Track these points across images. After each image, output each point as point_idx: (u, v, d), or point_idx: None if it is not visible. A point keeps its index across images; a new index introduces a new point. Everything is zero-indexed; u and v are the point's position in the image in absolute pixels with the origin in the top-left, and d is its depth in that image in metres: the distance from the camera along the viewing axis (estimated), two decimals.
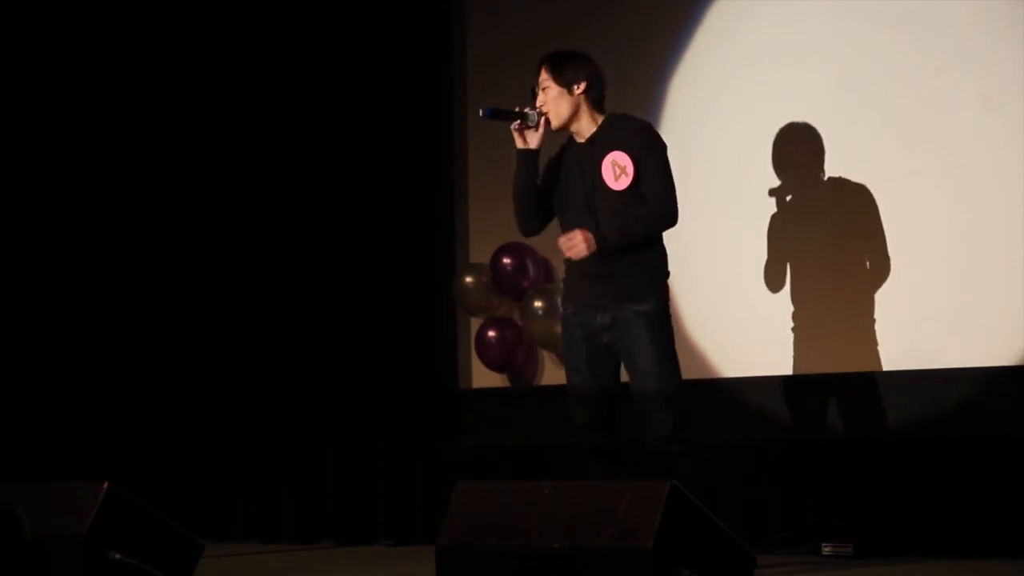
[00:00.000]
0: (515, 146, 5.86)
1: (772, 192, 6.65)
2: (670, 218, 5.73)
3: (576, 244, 5.71)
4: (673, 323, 5.84)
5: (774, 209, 6.66)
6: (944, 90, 6.48)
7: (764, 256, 6.75)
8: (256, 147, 8.20)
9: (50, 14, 8.58)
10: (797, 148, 6.68)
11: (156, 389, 8.50)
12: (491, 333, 7.57)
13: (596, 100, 5.84)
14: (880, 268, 6.55)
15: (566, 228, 5.82)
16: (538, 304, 7.40)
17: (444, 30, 7.88)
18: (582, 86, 5.79)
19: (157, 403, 8.49)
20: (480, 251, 7.70)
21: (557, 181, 5.88)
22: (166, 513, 5.53)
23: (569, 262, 5.83)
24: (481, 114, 5.88)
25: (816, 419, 6.76)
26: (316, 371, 8.06)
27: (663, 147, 5.77)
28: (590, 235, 5.69)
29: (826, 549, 6.40)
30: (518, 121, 5.83)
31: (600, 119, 5.83)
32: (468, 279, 7.64)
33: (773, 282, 6.64)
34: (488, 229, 7.70)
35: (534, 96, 5.86)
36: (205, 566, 5.66)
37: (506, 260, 7.52)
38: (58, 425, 8.49)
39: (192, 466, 8.36)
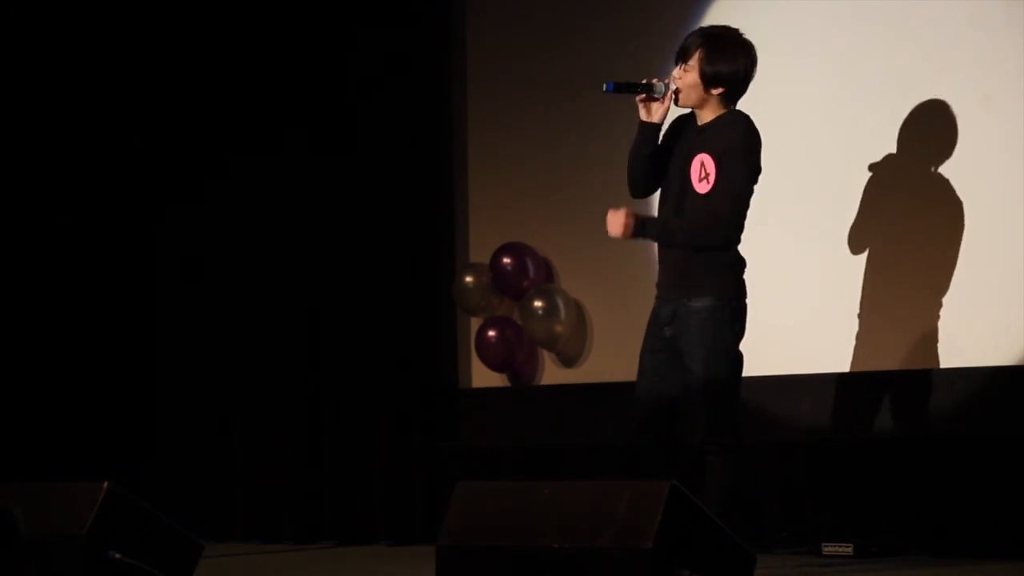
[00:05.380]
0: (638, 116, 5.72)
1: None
2: (713, 236, 5.59)
3: (613, 222, 5.63)
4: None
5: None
6: (944, 90, 6.49)
7: (765, 256, 6.75)
8: (256, 146, 8.21)
9: (49, 15, 8.58)
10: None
11: (156, 389, 8.49)
12: (491, 333, 7.57)
13: (727, 98, 5.67)
14: (892, 271, 6.56)
15: (659, 205, 5.75)
16: (538, 304, 7.40)
17: (444, 30, 7.88)
18: (719, 91, 5.64)
19: (157, 403, 8.48)
20: (480, 251, 7.70)
21: (671, 152, 5.73)
22: (166, 513, 5.53)
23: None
24: (604, 89, 5.70)
25: (816, 419, 6.76)
26: (316, 371, 8.06)
27: (751, 162, 5.60)
28: (631, 220, 5.59)
29: (826, 549, 6.40)
30: (643, 94, 5.70)
31: (722, 112, 5.67)
32: (468, 279, 7.64)
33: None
34: (488, 229, 7.71)
35: (678, 61, 5.70)
36: (205, 566, 5.66)
37: (506, 260, 7.53)
38: (58, 425, 8.48)
39: (192, 466, 8.36)
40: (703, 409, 5.61)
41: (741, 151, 5.59)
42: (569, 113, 7.46)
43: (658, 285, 5.75)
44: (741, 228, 5.66)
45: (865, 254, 6.60)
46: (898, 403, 6.55)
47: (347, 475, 7.93)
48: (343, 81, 8.00)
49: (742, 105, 5.70)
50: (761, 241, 6.73)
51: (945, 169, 6.46)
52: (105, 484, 5.36)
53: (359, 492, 7.88)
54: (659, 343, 5.69)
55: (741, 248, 5.66)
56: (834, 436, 6.69)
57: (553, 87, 7.53)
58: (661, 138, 5.77)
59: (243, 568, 7.10)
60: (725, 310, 5.61)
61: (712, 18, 7.03)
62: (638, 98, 5.71)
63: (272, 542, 8.00)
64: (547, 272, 7.56)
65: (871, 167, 6.57)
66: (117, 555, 5.26)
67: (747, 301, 5.66)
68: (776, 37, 6.86)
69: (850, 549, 6.34)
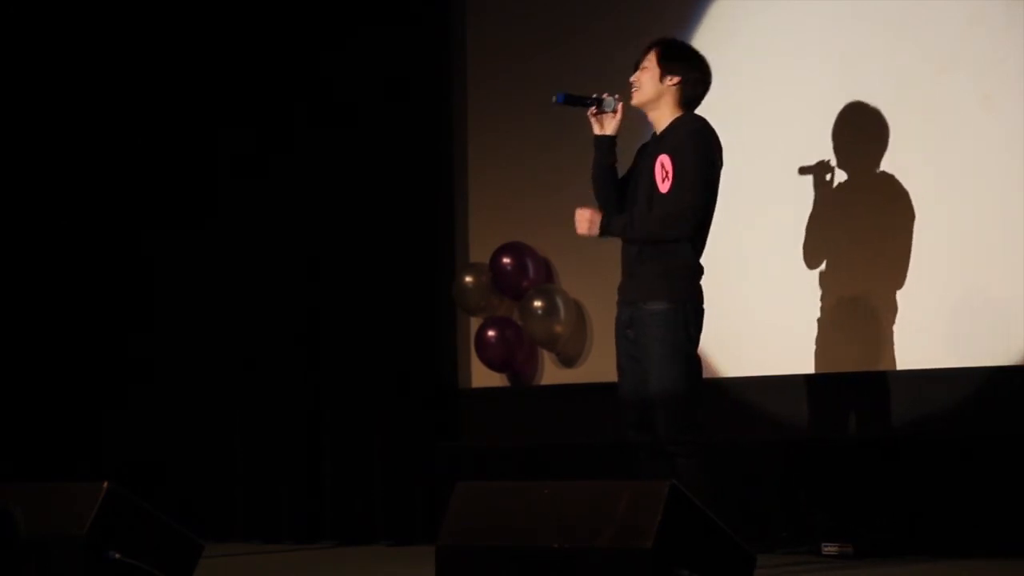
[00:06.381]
0: (592, 132, 5.85)
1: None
2: (678, 227, 5.68)
3: (580, 221, 5.78)
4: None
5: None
6: (944, 90, 6.49)
7: (763, 256, 6.76)
8: (256, 146, 8.20)
9: (49, 14, 8.58)
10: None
11: (156, 389, 8.50)
12: (491, 333, 7.57)
13: (684, 100, 5.78)
14: (887, 269, 6.56)
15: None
16: (538, 304, 7.40)
17: (444, 30, 7.88)
18: (675, 80, 5.75)
19: (157, 403, 8.48)
20: (480, 251, 7.70)
21: (636, 171, 5.85)
22: (166, 513, 5.53)
23: None
24: (554, 100, 5.82)
25: (816, 419, 6.76)
26: (316, 371, 8.06)
27: (702, 154, 5.69)
28: (597, 218, 5.75)
29: (826, 549, 6.40)
30: (593, 107, 5.80)
31: (679, 114, 5.78)
32: (468, 279, 7.64)
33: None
34: (488, 229, 7.71)
35: (636, 70, 5.81)
36: (205, 566, 5.66)
37: (506, 260, 7.53)
38: (58, 425, 8.48)
39: (192, 466, 8.36)
40: (662, 410, 5.68)
41: (693, 146, 5.69)
42: (569, 113, 7.42)
43: (619, 289, 5.85)
44: (703, 220, 5.72)
45: (863, 255, 6.61)
46: (898, 403, 6.55)
47: (347, 475, 7.93)
48: (343, 81, 7.99)
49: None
50: (762, 241, 6.77)
51: (946, 169, 6.45)
52: (105, 484, 5.36)
53: (359, 492, 7.88)
54: (627, 346, 5.81)
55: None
56: (834, 436, 6.69)
57: (553, 87, 7.47)
58: (630, 163, 5.86)
59: (243, 568, 7.10)
60: (679, 313, 5.69)
61: (712, 18, 7.04)
62: (589, 112, 5.85)
63: (272, 542, 8.00)
64: (547, 272, 7.56)
65: (869, 167, 6.59)
66: (117, 555, 5.26)
67: (704, 307, 5.74)
68: (776, 37, 6.87)
69: (850, 549, 6.35)
